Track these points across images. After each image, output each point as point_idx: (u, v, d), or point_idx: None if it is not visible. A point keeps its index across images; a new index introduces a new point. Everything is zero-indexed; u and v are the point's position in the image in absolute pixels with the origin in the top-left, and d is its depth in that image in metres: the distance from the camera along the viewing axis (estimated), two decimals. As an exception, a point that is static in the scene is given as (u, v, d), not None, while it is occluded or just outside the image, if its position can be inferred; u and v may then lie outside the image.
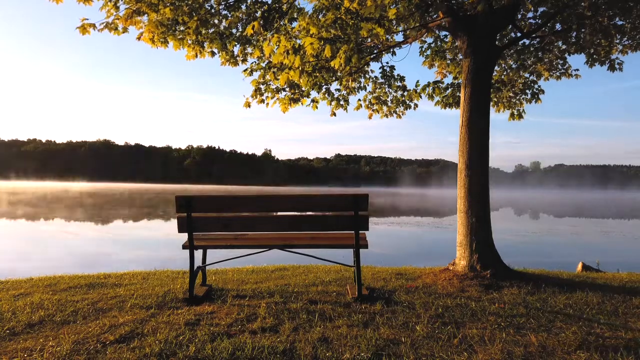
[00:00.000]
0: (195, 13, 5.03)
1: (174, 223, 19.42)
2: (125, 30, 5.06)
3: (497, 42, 5.37)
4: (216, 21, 5.53)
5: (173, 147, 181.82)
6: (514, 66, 6.90)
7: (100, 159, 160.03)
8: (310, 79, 5.90)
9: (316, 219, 4.08)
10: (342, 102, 6.86)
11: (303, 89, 6.36)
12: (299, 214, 4.08)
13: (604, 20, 5.19)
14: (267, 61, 6.22)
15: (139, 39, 5.21)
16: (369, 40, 5.89)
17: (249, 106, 6.44)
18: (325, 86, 6.62)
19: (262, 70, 6.28)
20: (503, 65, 6.97)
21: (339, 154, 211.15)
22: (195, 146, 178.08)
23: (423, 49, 6.92)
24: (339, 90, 6.84)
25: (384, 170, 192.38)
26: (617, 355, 2.65)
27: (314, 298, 3.93)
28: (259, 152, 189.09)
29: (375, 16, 4.37)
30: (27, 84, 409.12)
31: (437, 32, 6.50)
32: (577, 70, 6.67)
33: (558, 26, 5.78)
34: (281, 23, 5.61)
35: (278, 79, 5.95)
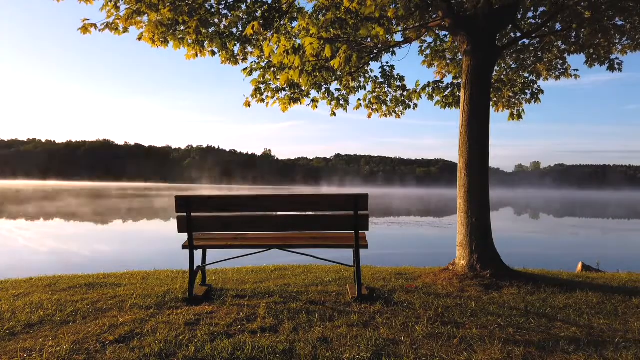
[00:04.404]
0: (195, 13, 5.03)
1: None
2: (125, 30, 5.07)
3: (497, 42, 5.36)
4: (216, 20, 5.52)
5: (173, 147, 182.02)
6: (513, 66, 6.90)
7: (100, 158, 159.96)
8: (310, 79, 5.90)
9: (316, 219, 4.07)
10: (342, 102, 6.87)
11: (303, 88, 6.36)
12: (299, 214, 4.08)
13: (603, 20, 5.18)
14: (267, 61, 6.22)
15: (139, 39, 5.21)
16: (369, 40, 5.89)
17: (249, 105, 6.45)
18: (325, 86, 6.63)
19: (262, 70, 6.29)
20: (503, 65, 6.97)
21: (338, 153, 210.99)
22: (195, 146, 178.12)
23: (422, 49, 6.92)
24: (338, 90, 6.85)
25: (384, 170, 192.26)
26: (616, 355, 2.65)
27: (313, 298, 3.93)
28: (258, 152, 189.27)
29: (375, 16, 4.37)
30: (27, 84, 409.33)
31: (437, 32, 6.50)
32: (577, 70, 6.68)
33: (558, 26, 5.78)
34: (281, 23, 5.61)
35: (278, 79, 5.95)
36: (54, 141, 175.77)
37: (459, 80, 6.83)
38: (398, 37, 6.31)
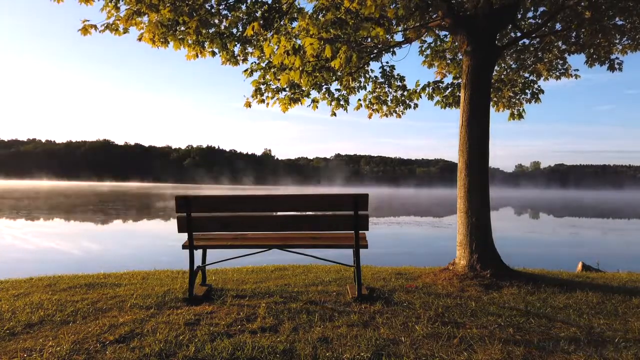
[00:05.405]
0: (195, 13, 5.03)
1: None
2: (126, 30, 5.07)
3: (497, 42, 5.36)
4: (216, 21, 5.53)
5: (173, 147, 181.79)
6: (513, 66, 6.90)
7: (100, 158, 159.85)
8: (311, 79, 5.90)
9: (316, 219, 4.08)
10: (342, 102, 6.86)
11: (303, 88, 6.36)
12: (299, 214, 4.08)
13: (603, 20, 5.19)
14: (267, 61, 6.22)
15: (139, 39, 5.21)
16: (369, 40, 5.89)
17: (250, 106, 6.46)
18: (325, 86, 6.62)
19: (262, 71, 6.29)
20: (503, 65, 6.97)
21: (338, 153, 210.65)
22: (195, 146, 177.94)
23: (423, 49, 6.93)
24: (339, 90, 6.84)
25: (384, 170, 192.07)
26: (616, 355, 2.65)
27: (313, 298, 3.93)
28: (258, 152, 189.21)
29: (375, 16, 4.37)
30: (27, 84, 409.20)
31: (437, 32, 6.50)
32: (577, 70, 6.68)
33: (558, 26, 5.78)
34: (281, 23, 5.62)
35: (278, 80, 5.95)
36: (54, 141, 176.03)
37: (459, 80, 6.83)
38: (398, 37, 6.32)
